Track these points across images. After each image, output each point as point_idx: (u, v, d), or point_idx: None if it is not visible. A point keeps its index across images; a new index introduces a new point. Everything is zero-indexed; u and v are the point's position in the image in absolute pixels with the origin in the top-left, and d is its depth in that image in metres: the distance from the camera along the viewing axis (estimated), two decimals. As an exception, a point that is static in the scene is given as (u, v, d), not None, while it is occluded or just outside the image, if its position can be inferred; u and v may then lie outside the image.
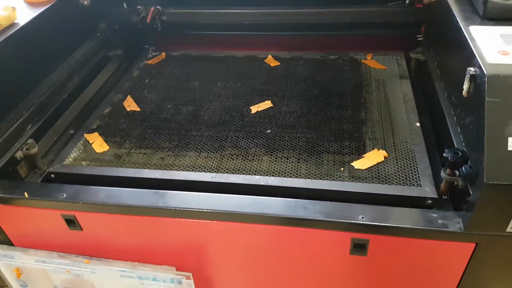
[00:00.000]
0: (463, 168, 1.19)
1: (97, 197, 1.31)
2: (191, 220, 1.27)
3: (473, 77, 1.08)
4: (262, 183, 1.34)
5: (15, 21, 1.57)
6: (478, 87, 1.06)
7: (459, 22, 1.24)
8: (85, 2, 1.87)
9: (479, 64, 1.06)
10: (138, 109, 1.75)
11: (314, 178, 1.35)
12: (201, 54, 2.14)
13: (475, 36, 1.16)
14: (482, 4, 1.24)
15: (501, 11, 1.22)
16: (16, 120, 1.51)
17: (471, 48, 1.12)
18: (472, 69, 1.08)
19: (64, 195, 1.32)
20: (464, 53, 1.17)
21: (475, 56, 1.09)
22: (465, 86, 1.10)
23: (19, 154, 1.44)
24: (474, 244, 1.15)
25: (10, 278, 1.58)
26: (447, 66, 1.47)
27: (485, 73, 1.02)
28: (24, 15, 1.61)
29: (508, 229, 1.09)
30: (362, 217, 1.16)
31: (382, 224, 1.14)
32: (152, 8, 1.99)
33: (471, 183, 1.13)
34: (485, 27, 1.20)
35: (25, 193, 1.34)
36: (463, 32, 1.19)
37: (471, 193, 1.12)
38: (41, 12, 1.64)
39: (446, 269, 1.24)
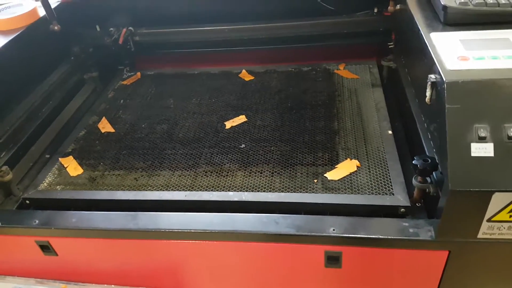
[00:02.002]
0: (434, 174, 1.19)
1: (69, 222, 1.30)
2: (163, 240, 1.26)
3: (434, 84, 1.08)
4: (236, 199, 1.33)
5: (-15, 49, 1.57)
6: (439, 94, 1.06)
7: (421, 30, 1.25)
8: (56, 28, 1.87)
9: (439, 71, 1.05)
10: (112, 130, 1.75)
11: (288, 191, 1.34)
12: (176, 71, 2.14)
13: (436, 42, 1.16)
14: (442, 10, 1.24)
15: (461, 16, 1.22)
16: (-12, 148, 1.50)
17: (431, 55, 1.12)
18: (432, 76, 1.08)
19: (37, 221, 1.31)
20: (426, 60, 1.17)
21: (435, 63, 1.08)
22: (428, 93, 1.10)
23: (-8, 182, 1.43)
24: (447, 252, 1.14)
25: (-12, 307, 1.57)
26: (415, 73, 1.47)
27: (444, 79, 1.02)
28: (-6, 43, 1.61)
29: (480, 235, 1.08)
30: (333, 229, 1.16)
31: (353, 235, 1.14)
32: (124, 30, 2.00)
33: (442, 190, 1.13)
34: (446, 33, 1.20)
35: (-3, 221, 1.33)
36: (424, 39, 1.19)
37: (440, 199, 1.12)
38: (11, 39, 1.65)
39: (422, 278, 1.24)
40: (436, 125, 1.12)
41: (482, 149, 1.00)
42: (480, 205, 1.02)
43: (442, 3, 1.22)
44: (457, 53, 1.11)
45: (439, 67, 1.06)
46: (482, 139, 1.00)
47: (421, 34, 1.22)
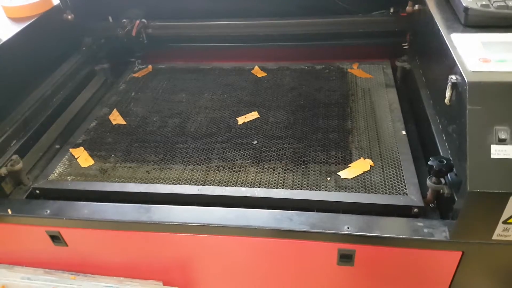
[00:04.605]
0: (448, 176, 1.18)
1: (81, 213, 1.29)
2: (175, 234, 1.26)
3: (454, 85, 1.08)
4: (248, 195, 1.33)
5: (-2, 37, 1.56)
6: (459, 95, 1.06)
7: (441, 30, 1.25)
8: (69, 17, 1.87)
9: (460, 72, 1.06)
10: (124, 122, 1.74)
11: (301, 189, 1.34)
12: (188, 66, 2.13)
13: (457, 44, 1.16)
14: (463, 12, 1.24)
15: (482, 18, 1.22)
16: None
17: (453, 56, 1.12)
18: (453, 77, 1.08)
19: (48, 211, 1.31)
20: (446, 61, 1.17)
21: (456, 64, 1.09)
22: (447, 94, 1.11)
23: (3, 171, 1.41)
24: (460, 253, 1.14)
25: (-5, 296, 1.56)
26: (431, 74, 1.47)
27: (466, 80, 1.02)
28: (7, 30, 1.60)
29: (494, 237, 1.08)
30: (348, 228, 1.16)
31: (368, 234, 1.14)
32: (137, 22, 1.99)
33: (457, 191, 1.12)
34: (467, 34, 1.20)
35: (8, 210, 1.32)
36: (444, 40, 1.19)
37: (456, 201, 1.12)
38: (24, 27, 1.64)
39: (434, 278, 1.24)
40: (455, 127, 1.12)
41: (502, 151, 1.00)
42: (497, 207, 1.02)
43: (464, 5, 1.22)
44: (478, 54, 1.11)
45: (460, 68, 1.06)
46: (502, 141, 1.00)
47: (442, 35, 1.22)
